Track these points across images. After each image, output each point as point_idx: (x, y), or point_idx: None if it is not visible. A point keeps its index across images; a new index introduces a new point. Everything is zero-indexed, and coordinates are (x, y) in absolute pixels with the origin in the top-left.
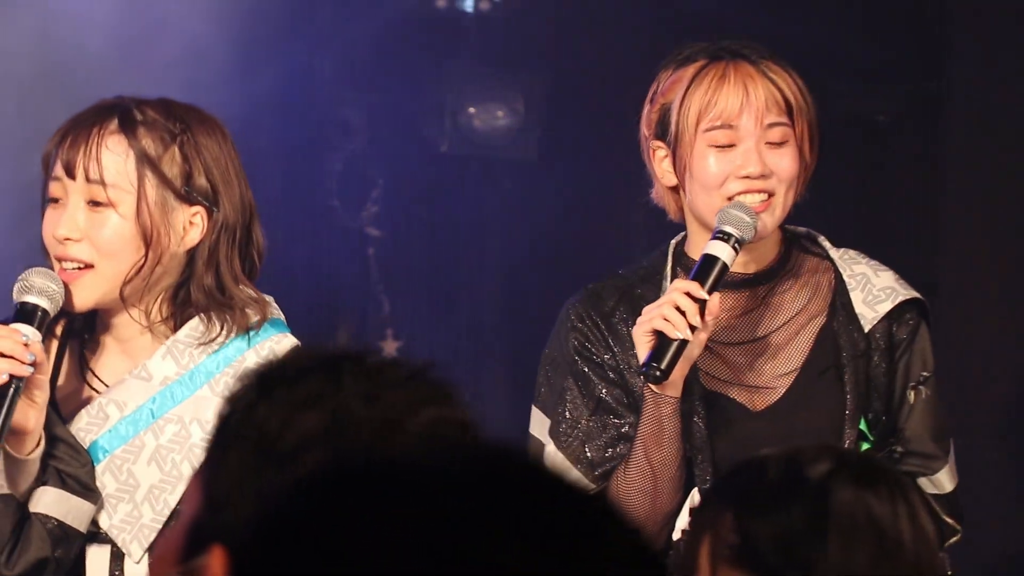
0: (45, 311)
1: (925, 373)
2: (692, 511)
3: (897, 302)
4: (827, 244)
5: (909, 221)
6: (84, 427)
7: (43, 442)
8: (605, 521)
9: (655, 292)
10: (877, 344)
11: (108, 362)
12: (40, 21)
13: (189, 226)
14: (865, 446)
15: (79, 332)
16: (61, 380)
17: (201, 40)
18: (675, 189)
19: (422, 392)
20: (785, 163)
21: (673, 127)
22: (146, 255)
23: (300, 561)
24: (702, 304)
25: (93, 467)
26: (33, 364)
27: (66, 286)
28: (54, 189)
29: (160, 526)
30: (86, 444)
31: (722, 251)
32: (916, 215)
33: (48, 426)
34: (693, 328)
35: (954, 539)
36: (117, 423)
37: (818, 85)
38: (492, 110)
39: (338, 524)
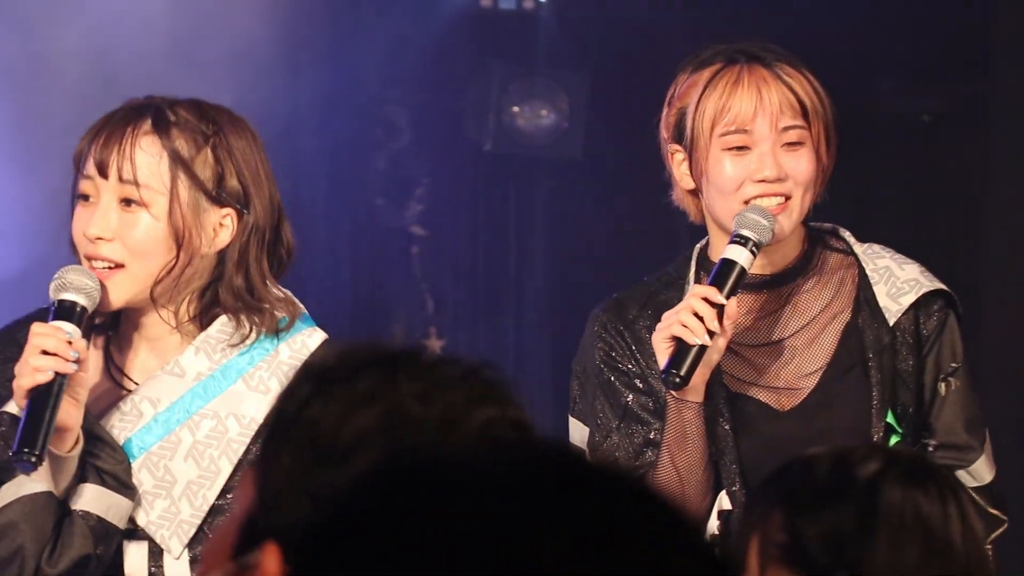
0: (84, 308)
1: (954, 364)
2: (742, 510)
3: (921, 293)
4: (851, 239)
5: (953, 220)
6: (117, 424)
7: (81, 440)
8: (666, 521)
9: (679, 297)
10: (903, 337)
11: (136, 359)
12: (92, 21)
13: (219, 228)
14: (894, 439)
15: (104, 329)
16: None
17: (247, 39)
18: (694, 192)
19: (477, 391)
20: (802, 166)
21: (689, 131)
22: (177, 256)
23: (356, 562)
24: (720, 309)
25: (129, 464)
26: (77, 361)
27: (101, 284)
28: (85, 187)
29: (199, 522)
30: (120, 441)
31: (740, 255)
32: (960, 214)
33: (85, 424)
34: (712, 333)
35: (1001, 529)
36: (152, 420)
37: (864, 85)
38: (536, 109)
39: (395, 526)
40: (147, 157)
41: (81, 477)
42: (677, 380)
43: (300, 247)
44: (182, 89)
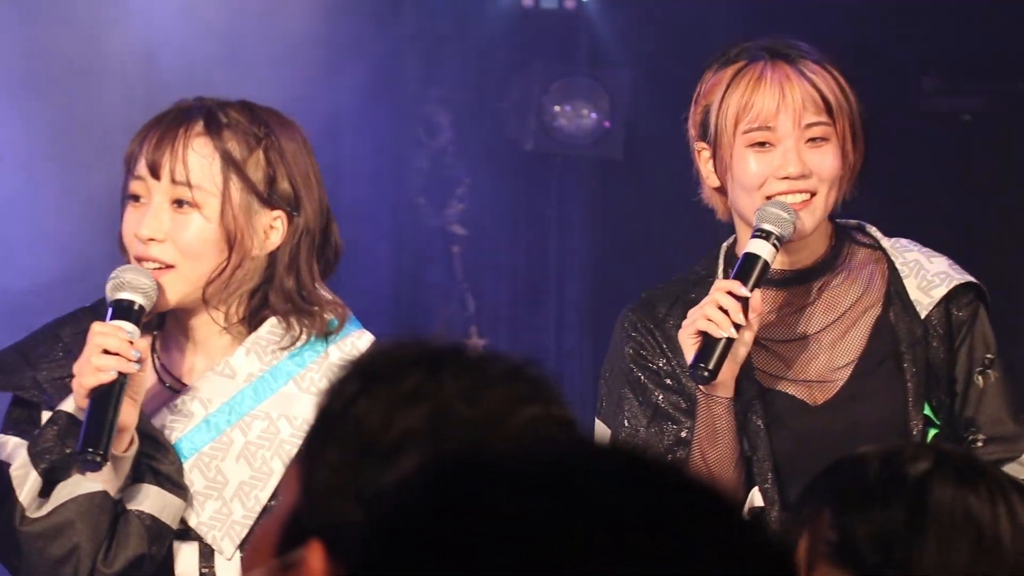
0: (141, 307)
1: (989, 356)
2: (791, 507)
3: (952, 286)
4: (878, 234)
5: (994, 219)
6: (168, 424)
7: (136, 439)
8: (722, 517)
9: (707, 295)
10: (935, 330)
11: (183, 360)
12: (136, 24)
13: (270, 230)
14: (933, 432)
15: (149, 330)
16: None
17: (290, 40)
18: (720, 190)
19: (522, 389)
20: (826, 162)
21: (713, 129)
22: (229, 257)
23: (409, 562)
24: (745, 302)
25: (182, 464)
26: (138, 361)
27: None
28: (136, 188)
29: (251, 523)
30: (171, 442)
31: (762, 249)
32: (1001, 213)
33: (139, 424)
34: (738, 327)
35: None
36: (203, 420)
37: (906, 84)
38: (578, 109)
39: (446, 525)
40: (199, 158)
41: (136, 477)
42: (705, 374)
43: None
44: (224, 90)
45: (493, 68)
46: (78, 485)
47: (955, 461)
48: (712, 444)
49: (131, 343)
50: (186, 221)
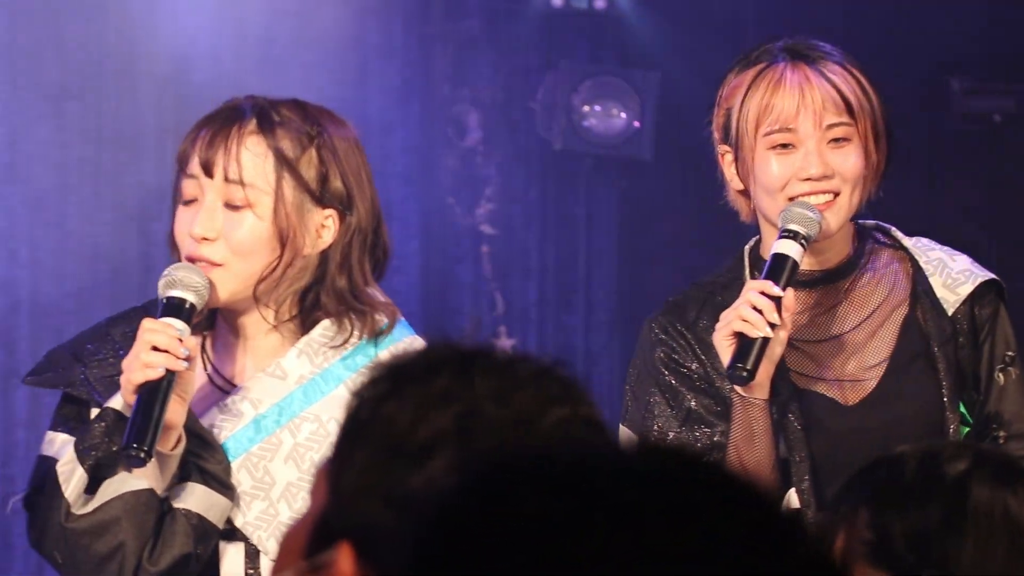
0: (193, 305)
1: (1010, 353)
2: (827, 506)
3: (977, 283)
4: (898, 234)
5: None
6: (217, 424)
7: (184, 438)
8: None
9: (735, 297)
10: (960, 327)
11: (232, 360)
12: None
13: (322, 229)
14: (965, 430)
15: (199, 330)
16: None
17: (318, 40)
18: (744, 192)
19: (552, 390)
20: (849, 162)
21: (735, 131)
22: (280, 256)
23: (443, 564)
24: (778, 302)
25: (229, 464)
26: (187, 359)
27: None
28: (189, 187)
29: None
30: (219, 442)
31: (791, 248)
32: None
33: (187, 423)
34: (773, 326)
35: None
36: (252, 421)
37: (936, 85)
38: (607, 109)
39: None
40: (252, 157)
41: (183, 476)
42: (744, 374)
43: None
44: (255, 91)
45: (523, 68)
46: (124, 482)
47: (993, 461)
48: (749, 447)
49: (180, 340)
50: (239, 219)
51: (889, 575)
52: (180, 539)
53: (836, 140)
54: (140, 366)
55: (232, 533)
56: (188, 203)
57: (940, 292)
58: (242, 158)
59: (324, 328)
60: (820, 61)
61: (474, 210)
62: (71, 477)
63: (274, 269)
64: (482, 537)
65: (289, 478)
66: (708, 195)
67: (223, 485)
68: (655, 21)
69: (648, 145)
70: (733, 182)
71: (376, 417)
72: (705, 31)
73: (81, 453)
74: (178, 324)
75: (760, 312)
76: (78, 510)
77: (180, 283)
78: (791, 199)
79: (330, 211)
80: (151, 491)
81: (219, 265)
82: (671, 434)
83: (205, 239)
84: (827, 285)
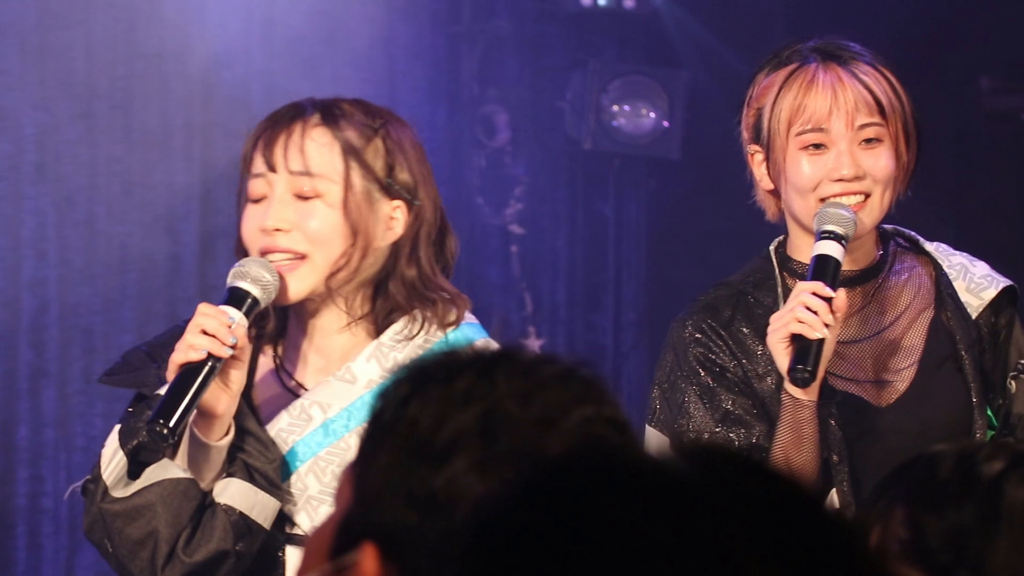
0: (256, 299)
1: (1023, 361)
2: (862, 503)
3: (1000, 288)
4: (918, 238)
5: None
6: (286, 428)
7: (232, 432)
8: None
9: (769, 297)
10: (982, 332)
11: (305, 363)
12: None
13: (391, 220)
14: (990, 434)
15: (272, 335)
16: (256, 380)
17: (346, 39)
18: (774, 192)
19: (575, 391)
20: (881, 163)
21: (766, 131)
22: (354, 244)
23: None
24: (829, 302)
25: (281, 464)
26: (233, 347)
27: (281, 277)
28: (256, 186)
29: None
30: (288, 445)
31: (833, 249)
32: None
33: (239, 419)
34: (827, 326)
35: None
36: (321, 425)
37: (964, 84)
38: (636, 108)
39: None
40: (318, 147)
41: (231, 472)
42: (807, 375)
43: None
44: (283, 92)
45: (551, 67)
46: (165, 470)
47: None
48: (797, 449)
49: (229, 327)
50: (310, 209)
51: (923, 573)
52: (218, 534)
53: (868, 141)
54: (184, 347)
55: (299, 537)
56: (257, 201)
57: (964, 296)
58: (308, 149)
59: (395, 331)
60: (851, 61)
61: (503, 210)
62: (112, 459)
63: (348, 259)
64: (546, 551)
65: None
66: (737, 195)
67: (272, 484)
68: (684, 20)
69: (677, 145)
70: (763, 182)
71: (399, 418)
72: (734, 30)
73: (122, 436)
74: (234, 313)
75: (815, 313)
76: (116, 492)
77: (248, 276)
78: (822, 200)
79: (398, 202)
80: (191, 480)
81: (302, 257)
82: (706, 435)
83: (279, 230)
84: (857, 287)
